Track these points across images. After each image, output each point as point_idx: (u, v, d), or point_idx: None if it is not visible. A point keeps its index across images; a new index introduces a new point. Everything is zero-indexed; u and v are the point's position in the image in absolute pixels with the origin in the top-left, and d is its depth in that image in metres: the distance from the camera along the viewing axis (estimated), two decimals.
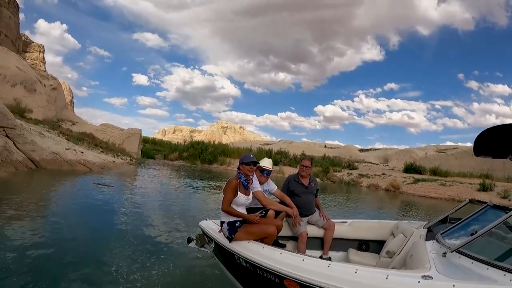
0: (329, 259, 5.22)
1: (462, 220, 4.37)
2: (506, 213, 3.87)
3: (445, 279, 2.97)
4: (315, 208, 5.72)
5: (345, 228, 5.65)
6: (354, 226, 5.69)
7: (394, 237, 5.11)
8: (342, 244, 5.56)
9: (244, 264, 4.02)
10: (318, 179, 6.29)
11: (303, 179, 5.64)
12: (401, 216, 16.11)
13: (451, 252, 3.40)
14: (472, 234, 3.42)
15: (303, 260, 3.49)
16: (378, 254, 5.34)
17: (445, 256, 3.49)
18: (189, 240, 5.19)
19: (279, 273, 3.51)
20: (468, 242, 3.34)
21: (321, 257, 5.27)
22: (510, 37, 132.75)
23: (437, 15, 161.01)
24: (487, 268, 3.01)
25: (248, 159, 4.50)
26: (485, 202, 4.59)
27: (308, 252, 5.14)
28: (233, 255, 4.21)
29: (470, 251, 3.30)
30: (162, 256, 6.48)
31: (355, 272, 3.12)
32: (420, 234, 4.66)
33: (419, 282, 2.89)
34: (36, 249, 6.29)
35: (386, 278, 2.98)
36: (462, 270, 3.16)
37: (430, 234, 4.66)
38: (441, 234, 4.16)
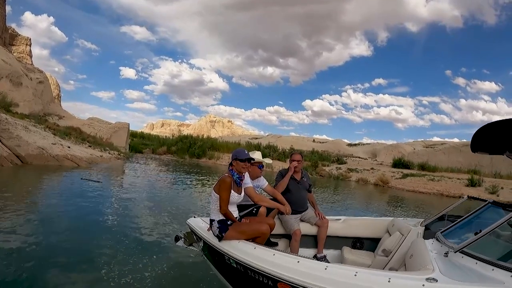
0: (324, 257, 5.10)
1: (463, 218, 4.23)
2: (507, 210, 3.74)
3: (450, 281, 2.81)
4: (308, 205, 5.54)
5: (338, 225, 5.47)
6: (348, 224, 5.52)
7: (390, 235, 4.96)
8: (336, 241, 5.39)
9: (235, 265, 3.80)
10: None
11: (295, 174, 5.42)
12: (392, 210, 16.16)
13: (455, 252, 3.24)
14: (476, 233, 3.25)
15: (298, 261, 3.26)
16: (373, 252, 5.20)
17: (447, 256, 3.34)
18: (177, 239, 4.97)
19: (273, 275, 3.29)
20: (472, 242, 3.18)
21: (315, 256, 5.15)
22: (498, 35, 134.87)
23: (426, 12, 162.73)
24: (493, 269, 2.87)
25: (243, 155, 4.22)
26: (485, 200, 4.45)
27: (301, 250, 4.99)
28: (222, 255, 3.98)
29: (473, 250, 3.15)
30: (154, 257, 6.21)
31: (355, 275, 2.92)
32: (417, 232, 4.53)
33: (423, 285, 2.72)
34: (21, 249, 6.00)
35: (388, 281, 2.80)
36: (467, 271, 3.01)
37: (428, 232, 4.53)
38: (441, 232, 4.00)
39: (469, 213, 4.23)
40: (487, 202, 4.22)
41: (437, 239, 3.90)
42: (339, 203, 17.01)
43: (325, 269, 3.07)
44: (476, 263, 3.03)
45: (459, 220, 4.21)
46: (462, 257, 3.18)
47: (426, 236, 4.39)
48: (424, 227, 4.63)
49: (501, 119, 3.63)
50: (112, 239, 7.05)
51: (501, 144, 3.96)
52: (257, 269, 3.44)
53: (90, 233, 7.42)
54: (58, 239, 6.78)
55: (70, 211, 9.47)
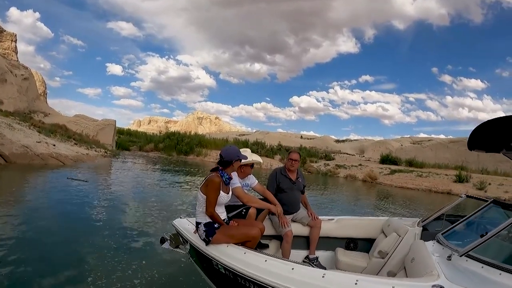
0: (316, 259, 4.91)
1: (464, 218, 4.03)
2: (511, 210, 3.57)
3: None
4: (300, 205, 5.31)
5: (331, 225, 5.25)
6: (341, 224, 5.30)
7: (385, 235, 4.77)
8: (329, 242, 5.17)
9: (223, 271, 3.53)
10: None
11: (290, 174, 5.18)
12: (383, 207, 16.16)
13: (460, 256, 3.03)
14: (482, 235, 3.05)
15: (292, 268, 3.02)
16: (367, 253, 5.02)
17: (450, 260, 3.13)
18: (163, 241, 4.70)
19: (264, 284, 3.03)
20: (479, 245, 2.98)
21: (307, 257, 4.95)
22: (485, 34, 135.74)
23: (413, 10, 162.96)
24: (500, 273, 2.68)
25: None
26: (484, 199, 4.28)
27: (293, 252, 4.77)
28: (210, 260, 3.72)
29: (478, 253, 2.95)
30: (143, 262, 5.89)
31: (355, 283, 2.69)
32: (415, 233, 4.35)
33: None
34: (2, 252, 5.73)
35: None
36: (472, 276, 2.81)
37: (426, 233, 4.34)
38: (442, 234, 3.80)
39: (470, 213, 4.04)
40: (489, 201, 4.02)
41: (438, 241, 3.70)
42: (328, 199, 16.93)
43: (323, 277, 2.83)
44: (482, 267, 2.83)
45: (460, 220, 4.02)
46: (467, 260, 2.98)
47: (424, 237, 4.19)
48: (421, 228, 4.44)
49: (498, 116, 3.45)
50: (99, 243, 6.72)
51: (498, 142, 3.82)
52: (247, 276, 3.18)
53: (76, 236, 7.06)
54: (41, 243, 6.46)
55: (55, 213, 9.16)
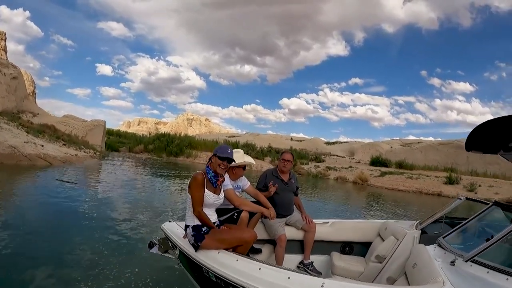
0: (311, 264, 4.76)
1: (466, 221, 3.89)
2: None
3: None
4: (294, 208, 5.14)
5: (326, 229, 5.10)
6: (336, 227, 5.14)
7: (382, 238, 4.63)
8: (324, 246, 5.02)
9: (214, 279, 3.32)
10: None
11: (282, 175, 5.00)
12: (376, 208, 16.14)
13: (465, 261, 2.88)
14: (488, 239, 2.91)
15: (289, 277, 2.82)
16: (363, 257, 4.87)
17: (453, 265, 2.98)
18: (151, 245, 4.49)
19: None
20: (485, 249, 2.83)
21: (302, 262, 4.79)
22: (473, 38, 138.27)
23: (402, 13, 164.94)
24: (507, 279, 2.52)
25: (224, 153, 3.71)
26: (484, 202, 4.15)
27: (287, 256, 4.62)
28: (200, 267, 3.51)
29: (483, 258, 2.81)
30: (136, 269, 5.59)
31: None
32: (413, 237, 4.20)
33: None
34: None
35: None
36: (479, 282, 2.66)
37: (425, 236, 4.21)
38: (443, 237, 3.65)
39: (472, 216, 3.91)
40: (491, 204, 3.88)
41: (439, 245, 3.55)
42: (320, 201, 16.85)
43: (322, 286, 2.65)
44: (488, 272, 2.69)
45: (462, 223, 3.88)
46: (471, 265, 2.84)
47: (423, 241, 4.05)
48: (420, 231, 4.30)
49: (496, 116, 3.33)
50: (89, 249, 6.42)
51: (495, 143, 3.70)
52: (240, 285, 2.98)
53: (65, 241, 6.75)
54: (28, 248, 6.16)
55: (42, 216, 8.88)
